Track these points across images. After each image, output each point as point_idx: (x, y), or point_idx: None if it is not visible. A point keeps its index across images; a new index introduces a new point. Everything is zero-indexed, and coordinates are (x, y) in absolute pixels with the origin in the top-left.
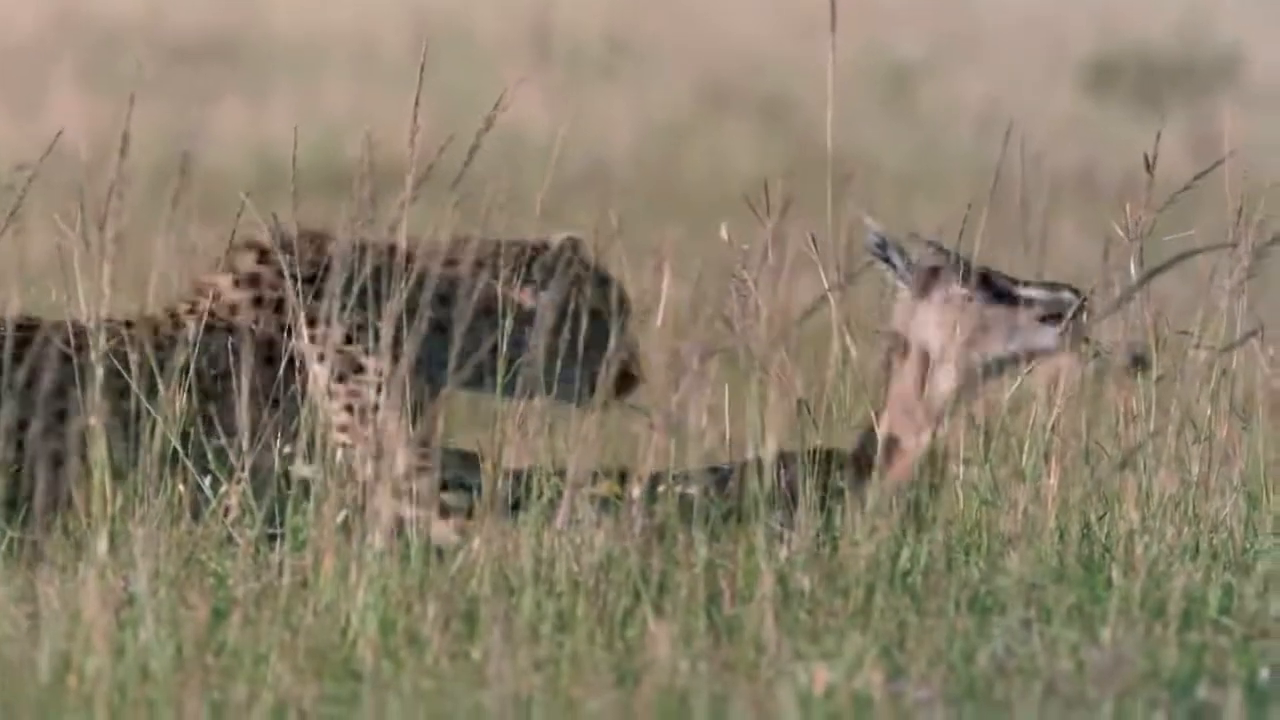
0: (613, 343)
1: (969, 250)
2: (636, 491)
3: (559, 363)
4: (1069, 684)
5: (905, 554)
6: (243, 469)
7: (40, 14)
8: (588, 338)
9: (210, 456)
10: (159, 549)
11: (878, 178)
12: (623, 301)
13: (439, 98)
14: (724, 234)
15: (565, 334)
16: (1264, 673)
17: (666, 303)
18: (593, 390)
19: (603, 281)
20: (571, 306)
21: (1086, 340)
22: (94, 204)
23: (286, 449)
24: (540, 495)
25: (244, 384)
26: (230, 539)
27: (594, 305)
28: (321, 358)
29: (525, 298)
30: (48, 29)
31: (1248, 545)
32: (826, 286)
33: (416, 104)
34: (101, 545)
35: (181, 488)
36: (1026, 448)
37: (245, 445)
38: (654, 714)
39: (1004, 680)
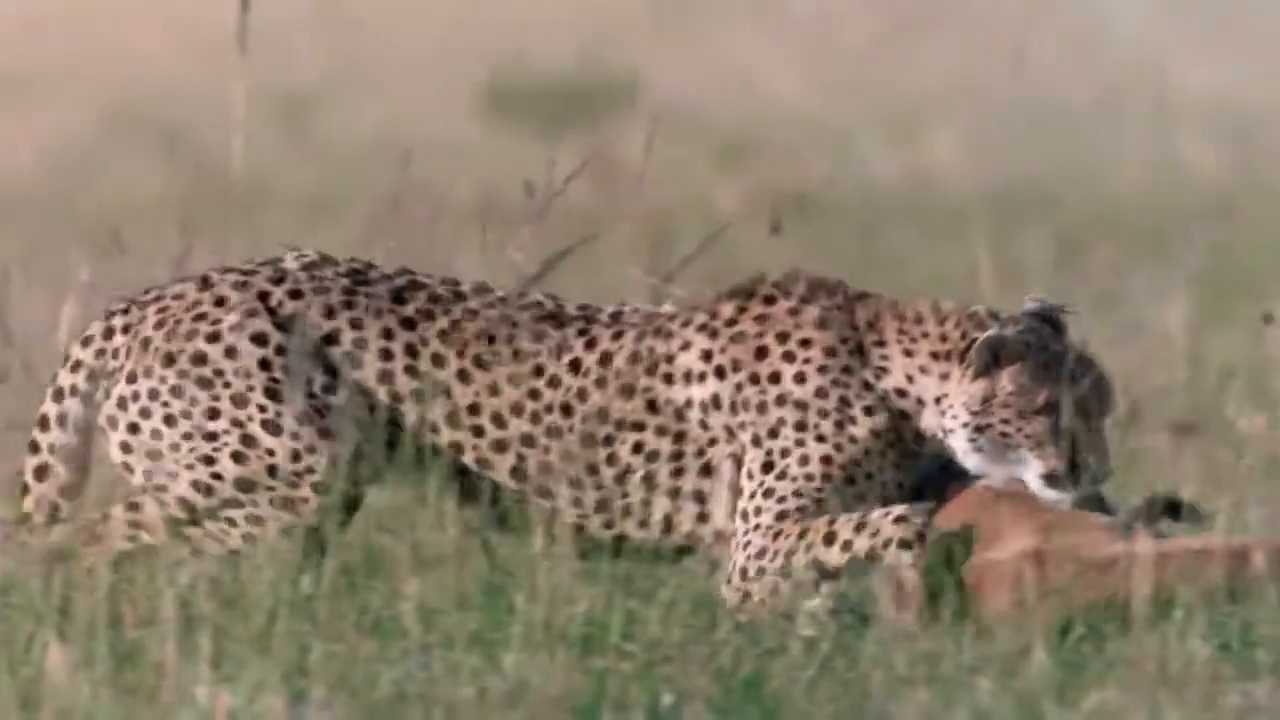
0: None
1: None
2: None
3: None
4: (471, 710)
5: (306, 579)
6: None
7: None
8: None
9: None
10: None
11: (279, 204)
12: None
13: None
14: (83, 276)
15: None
16: (666, 699)
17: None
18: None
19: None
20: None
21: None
22: None
23: None
24: None
25: None
26: None
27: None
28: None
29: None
30: None
31: (649, 571)
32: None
33: None
34: None
35: None
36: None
37: None
38: None
39: (405, 706)
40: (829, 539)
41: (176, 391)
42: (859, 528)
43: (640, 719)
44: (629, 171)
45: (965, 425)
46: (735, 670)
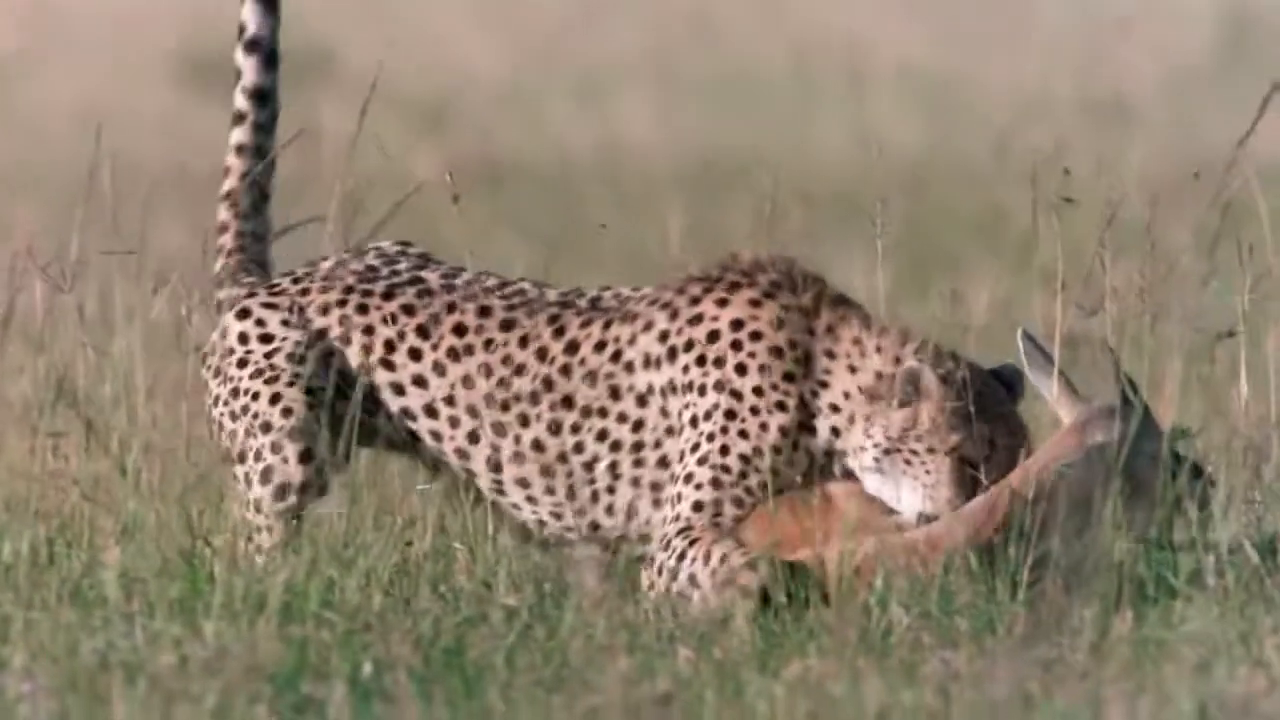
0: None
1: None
2: None
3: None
4: (172, 678)
5: (7, 546)
6: None
7: None
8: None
9: None
10: None
11: None
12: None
13: None
14: None
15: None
16: (366, 667)
17: None
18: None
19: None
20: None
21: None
22: None
23: None
24: None
25: None
26: None
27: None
28: None
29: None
30: None
31: (349, 540)
32: None
33: None
34: None
35: None
36: (132, 442)
37: None
38: None
39: (106, 674)
40: (723, 558)
41: (211, 391)
42: (722, 557)
43: (340, 687)
44: (331, 140)
45: (877, 445)
46: (436, 639)
